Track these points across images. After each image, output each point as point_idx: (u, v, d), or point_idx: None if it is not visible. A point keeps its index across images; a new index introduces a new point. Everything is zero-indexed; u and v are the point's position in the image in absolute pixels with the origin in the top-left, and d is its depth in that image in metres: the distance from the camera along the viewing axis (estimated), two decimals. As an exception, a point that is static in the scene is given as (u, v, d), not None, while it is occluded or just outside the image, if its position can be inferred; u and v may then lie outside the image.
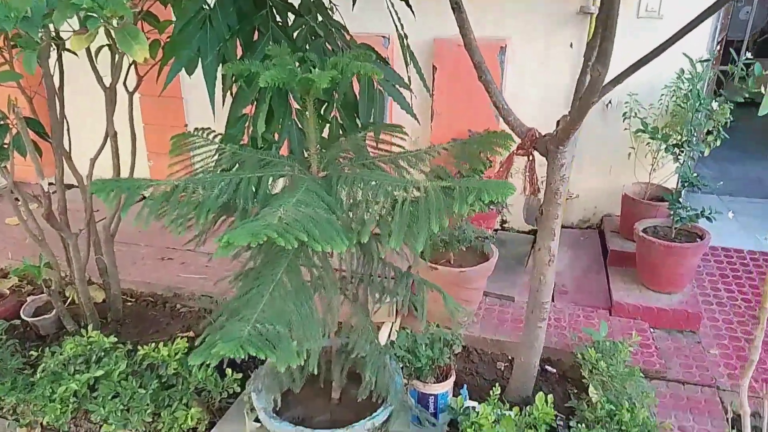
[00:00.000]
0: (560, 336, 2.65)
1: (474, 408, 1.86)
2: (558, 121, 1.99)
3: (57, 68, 2.34)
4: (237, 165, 1.54)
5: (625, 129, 3.16)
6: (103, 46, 2.20)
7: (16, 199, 2.47)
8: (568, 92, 3.37)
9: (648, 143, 3.12)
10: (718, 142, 2.94)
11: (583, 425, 1.81)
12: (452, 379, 1.93)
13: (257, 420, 1.82)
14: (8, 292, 2.85)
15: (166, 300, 3.01)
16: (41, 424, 2.10)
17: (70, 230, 2.50)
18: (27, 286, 3.11)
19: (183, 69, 1.76)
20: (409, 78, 2.04)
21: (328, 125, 1.93)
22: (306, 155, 1.77)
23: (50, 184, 2.36)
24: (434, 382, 1.88)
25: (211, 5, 1.78)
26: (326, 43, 1.97)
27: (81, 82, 2.73)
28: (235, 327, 1.11)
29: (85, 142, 2.81)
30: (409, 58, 2.13)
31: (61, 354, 2.07)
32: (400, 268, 1.51)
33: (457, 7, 1.94)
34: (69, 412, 2.00)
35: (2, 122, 2.26)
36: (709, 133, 2.92)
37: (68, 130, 2.49)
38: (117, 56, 2.20)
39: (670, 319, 2.77)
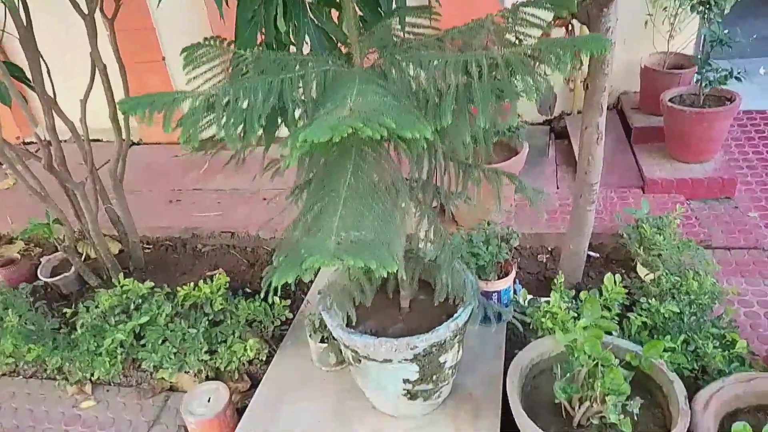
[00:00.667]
0: (598, 220, 2.57)
1: (537, 299, 1.80)
2: (594, -16, 1.81)
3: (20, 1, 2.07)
4: (262, 71, 1.37)
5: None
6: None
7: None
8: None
9: (665, 8, 2.93)
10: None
11: (654, 299, 1.76)
12: (513, 273, 1.86)
13: (323, 340, 1.75)
14: (19, 256, 2.70)
15: (185, 242, 2.89)
16: (90, 380, 2.02)
17: (74, 180, 2.32)
18: (35, 248, 2.96)
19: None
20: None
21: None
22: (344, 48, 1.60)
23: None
24: (497, 279, 1.80)
25: None
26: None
27: (40, 16, 2.44)
28: (317, 239, 0.99)
29: (66, 82, 2.58)
30: None
31: (97, 307, 1.96)
32: (466, 162, 1.38)
33: None
34: (119, 363, 1.92)
35: (-24, 70, 2.02)
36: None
37: (48, 71, 2.25)
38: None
39: (705, 188, 2.71)
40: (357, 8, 1.73)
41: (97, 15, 2.12)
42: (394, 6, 1.71)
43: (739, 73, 2.65)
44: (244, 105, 1.12)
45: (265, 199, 3.07)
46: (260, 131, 1.20)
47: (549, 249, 2.56)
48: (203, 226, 2.92)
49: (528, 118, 3.60)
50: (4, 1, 1.87)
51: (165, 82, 3.76)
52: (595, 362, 1.33)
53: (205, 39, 1.52)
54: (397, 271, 0.94)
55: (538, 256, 2.54)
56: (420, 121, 0.97)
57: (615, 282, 1.74)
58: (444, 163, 1.35)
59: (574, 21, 1.86)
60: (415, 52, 1.25)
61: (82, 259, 2.63)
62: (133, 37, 3.53)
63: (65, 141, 2.39)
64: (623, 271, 2.34)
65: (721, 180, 2.68)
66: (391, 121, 0.89)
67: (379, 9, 1.71)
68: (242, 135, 1.12)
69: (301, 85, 1.21)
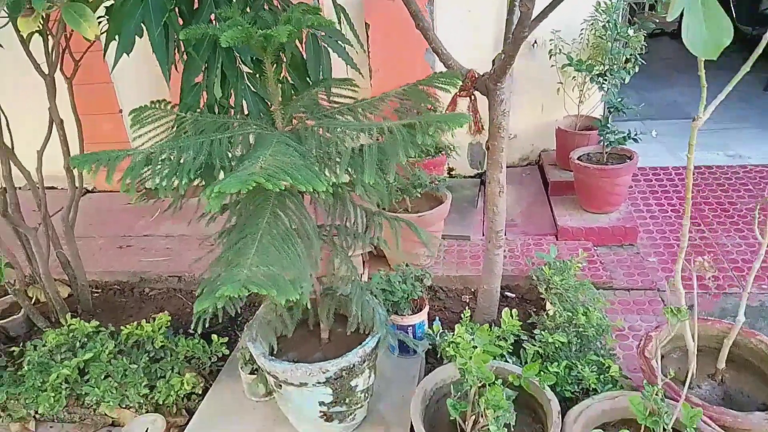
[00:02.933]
0: (515, 264, 2.87)
1: (447, 332, 2.03)
2: (493, 60, 2.13)
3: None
4: (202, 131, 1.60)
5: (552, 65, 3.36)
6: (34, 32, 2.16)
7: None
8: (496, 36, 3.53)
9: (574, 77, 3.34)
10: (636, 68, 3.18)
11: (546, 332, 2.01)
12: (426, 309, 2.09)
13: (252, 372, 1.93)
14: (-34, 299, 2.78)
15: (133, 286, 3.03)
16: (34, 416, 2.12)
17: (27, 225, 2.47)
18: (-15, 291, 3.04)
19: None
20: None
21: (279, 86, 2.00)
22: (267, 113, 1.85)
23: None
24: (411, 314, 2.03)
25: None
26: (264, 5, 2.02)
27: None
28: (233, 272, 1.20)
29: (22, 135, 2.75)
30: (341, 15, 2.21)
31: (44, 345, 2.09)
32: (371, 209, 1.63)
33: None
34: (63, 399, 2.04)
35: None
36: (627, 60, 3.15)
37: (7, 123, 2.44)
38: (52, 40, 2.17)
39: (610, 235, 3.04)
40: (288, 76, 2.01)
41: (57, 74, 2.34)
42: (321, 76, 1.99)
43: (635, 134, 3.04)
44: (179, 161, 1.35)
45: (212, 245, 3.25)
46: (194, 182, 1.43)
47: (472, 290, 2.82)
48: (151, 270, 3.07)
49: (461, 171, 3.94)
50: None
51: (120, 131, 3.96)
52: (481, 382, 1.56)
53: (152, 102, 1.76)
54: (313, 305, 1.16)
55: (462, 296, 2.78)
56: (317, 177, 1.21)
57: (511, 315, 1.99)
58: (352, 210, 1.60)
59: (476, 92, 2.17)
60: (326, 120, 1.52)
61: (32, 303, 2.74)
62: (92, 90, 3.75)
63: (20, 188, 2.55)
64: (534, 309, 2.61)
65: (624, 228, 3.01)
66: (290, 178, 1.14)
67: (308, 78, 1.99)
68: (175, 186, 1.34)
69: (229, 145, 1.45)
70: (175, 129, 1.66)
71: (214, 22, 1.83)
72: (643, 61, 3.17)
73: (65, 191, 2.62)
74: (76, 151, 2.54)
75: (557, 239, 3.07)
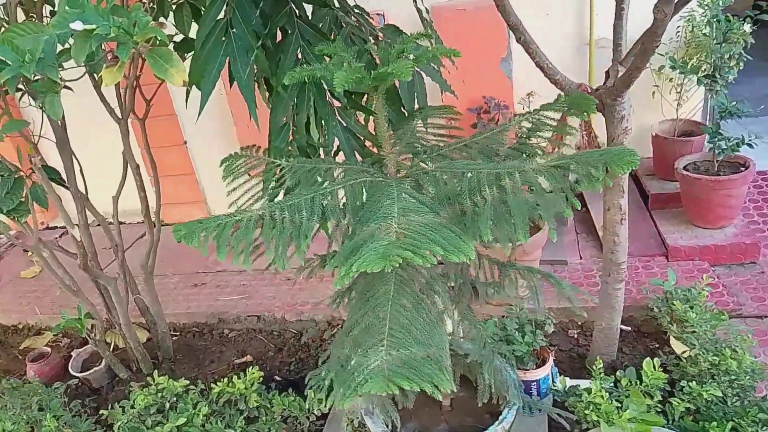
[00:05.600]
0: (626, 291, 2.57)
1: (577, 387, 1.78)
2: (607, 72, 1.88)
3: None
4: (298, 181, 1.42)
5: (646, 67, 3.04)
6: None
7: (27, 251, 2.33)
8: (573, 39, 3.24)
9: (671, 78, 3.02)
10: (741, 65, 2.85)
11: (694, 382, 1.74)
12: (551, 361, 1.85)
13: (362, 439, 1.73)
14: (49, 350, 2.72)
15: (212, 327, 2.90)
16: (125, 482, 1.99)
17: (106, 276, 2.37)
18: (64, 339, 2.98)
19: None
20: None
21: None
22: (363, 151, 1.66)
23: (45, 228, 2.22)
24: (535, 368, 1.79)
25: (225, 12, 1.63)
26: (352, 33, 1.84)
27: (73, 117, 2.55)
28: (369, 361, 1.00)
29: (94, 179, 2.67)
30: (427, 25, 2.02)
31: (132, 407, 1.96)
32: (499, 260, 1.41)
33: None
34: (156, 466, 1.90)
35: (16, 175, 2.11)
36: (730, 57, 2.82)
37: (81, 170, 2.34)
38: (125, 83, 2.05)
39: (728, 254, 2.71)
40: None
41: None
42: (416, 105, 1.79)
43: (751, 139, 2.70)
44: (292, 221, 1.16)
45: (289, 279, 3.10)
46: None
47: (579, 323, 2.55)
48: (229, 309, 2.94)
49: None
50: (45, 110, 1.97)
51: (185, 162, 3.88)
52: (645, 460, 1.31)
53: (242, 149, 1.60)
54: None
55: (569, 331, 2.52)
56: (464, 241, 1.00)
57: (654, 366, 1.73)
58: (479, 261, 1.38)
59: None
60: (445, 161, 1.31)
61: (111, 349, 2.65)
62: (156, 122, 3.68)
63: (91, 224, 2.45)
64: (656, 345, 2.32)
65: (744, 245, 2.68)
66: (440, 248, 0.93)
67: (403, 109, 1.79)
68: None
69: (342, 197, 1.25)
70: (266, 178, 1.50)
71: (300, 56, 1.66)
72: (749, 57, 2.83)
73: (135, 225, 2.50)
74: (149, 189, 2.43)
75: (668, 260, 2.76)
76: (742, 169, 2.73)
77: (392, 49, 1.24)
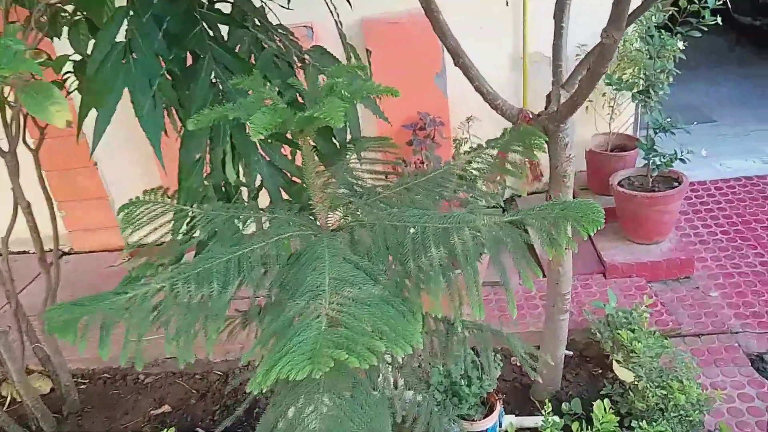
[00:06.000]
0: (567, 314, 2.52)
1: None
2: (548, 96, 1.79)
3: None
4: (215, 232, 1.22)
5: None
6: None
7: None
8: (513, 57, 3.19)
9: (604, 93, 3.01)
10: (670, 79, 2.87)
11: (644, 421, 1.67)
12: (499, 407, 1.73)
13: None
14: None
15: (126, 372, 2.61)
16: None
17: (-5, 327, 2.05)
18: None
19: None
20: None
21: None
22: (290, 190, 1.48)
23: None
24: (482, 418, 1.67)
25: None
26: (275, 56, 1.64)
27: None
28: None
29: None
30: (350, 50, 1.87)
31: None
32: (446, 317, 1.26)
33: (418, -16, 1.67)
34: None
35: None
36: (661, 71, 2.84)
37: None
38: (11, 111, 1.76)
39: (664, 269, 2.71)
40: (312, 140, 1.64)
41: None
42: (348, 136, 1.62)
43: (683, 154, 2.71)
44: (201, 298, 0.97)
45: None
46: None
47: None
48: (146, 351, 2.65)
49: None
50: None
51: (97, 185, 3.53)
52: None
53: (144, 193, 1.37)
54: None
55: (511, 358, 2.43)
56: (409, 323, 0.84)
57: (605, 408, 1.64)
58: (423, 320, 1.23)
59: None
60: (384, 211, 1.15)
61: (6, 406, 2.33)
62: (63, 142, 3.31)
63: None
64: (599, 370, 2.27)
65: (680, 260, 2.69)
66: (381, 342, 0.76)
67: (334, 139, 1.62)
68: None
69: (263, 262, 1.07)
70: (174, 228, 1.28)
71: (215, 82, 1.46)
72: (678, 71, 2.86)
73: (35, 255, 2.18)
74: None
75: (605, 277, 2.74)
76: (676, 184, 2.74)
77: (318, 82, 1.06)
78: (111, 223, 3.57)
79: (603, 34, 1.39)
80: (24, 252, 3.49)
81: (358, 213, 1.16)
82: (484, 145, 1.32)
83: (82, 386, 2.54)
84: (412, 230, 1.04)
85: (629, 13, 1.40)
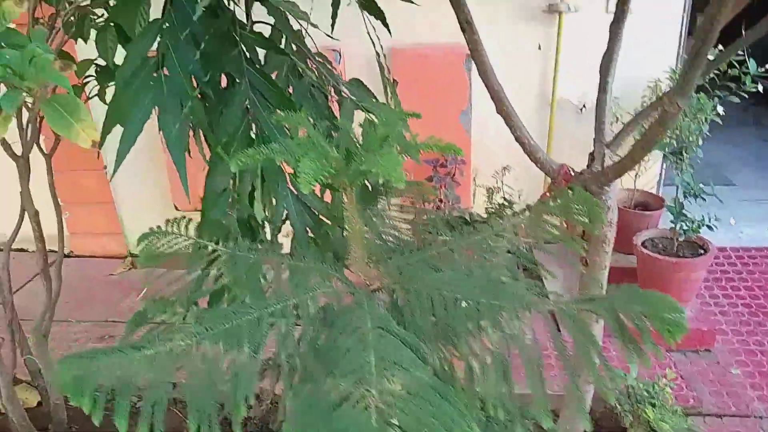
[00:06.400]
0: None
1: None
2: (591, 154, 1.71)
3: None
4: (236, 279, 1.12)
5: (609, 136, 2.95)
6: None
7: None
8: (540, 100, 3.14)
9: (633, 150, 2.93)
10: (700, 141, 2.80)
11: None
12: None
13: None
14: None
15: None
16: None
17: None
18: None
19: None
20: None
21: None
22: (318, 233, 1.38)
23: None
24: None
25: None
26: (311, 86, 1.56)
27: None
28: None
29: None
30: (388, 85, 1.80)
31: None
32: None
33: (468, 26, 1.60)
34: None
35: None
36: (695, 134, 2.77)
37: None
38: (27, 114, 1.66)
39: (685, 340, 2.59)
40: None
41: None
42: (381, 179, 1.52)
43: (711, 221, 2.63)
44: (223, 364, 0.86)
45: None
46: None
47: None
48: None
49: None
50: None
51: (104, 189, 3.42)
52: None
53: (167, 222, 1.27)
54: None
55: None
56: (465, 419, 0.74)
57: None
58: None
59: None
60: (430, 275, 1.04)
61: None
62: (69, 143, 3.22)
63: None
64: (615, 443, 2.15)
65: (701, 332, 2.58)
66: (439, 449, 0.66)
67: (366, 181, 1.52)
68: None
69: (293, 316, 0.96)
70: (198, 269, 1.18)
71: (249, 110, 1.37)
72: (708, 134, 2.79)
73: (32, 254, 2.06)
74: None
75: (623, 342, 2.62)
76: (702, 251, 2.65)
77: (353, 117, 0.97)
78: (113, 229, 3.46)
79: (666, 102, 1.30)
80: (22, 250, 3.37)
81: (400, 274, 1.05)
82: (533, 206, 1.22)
83: (72, 405, 2.40)
84: (463, 304, 0.93)
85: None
